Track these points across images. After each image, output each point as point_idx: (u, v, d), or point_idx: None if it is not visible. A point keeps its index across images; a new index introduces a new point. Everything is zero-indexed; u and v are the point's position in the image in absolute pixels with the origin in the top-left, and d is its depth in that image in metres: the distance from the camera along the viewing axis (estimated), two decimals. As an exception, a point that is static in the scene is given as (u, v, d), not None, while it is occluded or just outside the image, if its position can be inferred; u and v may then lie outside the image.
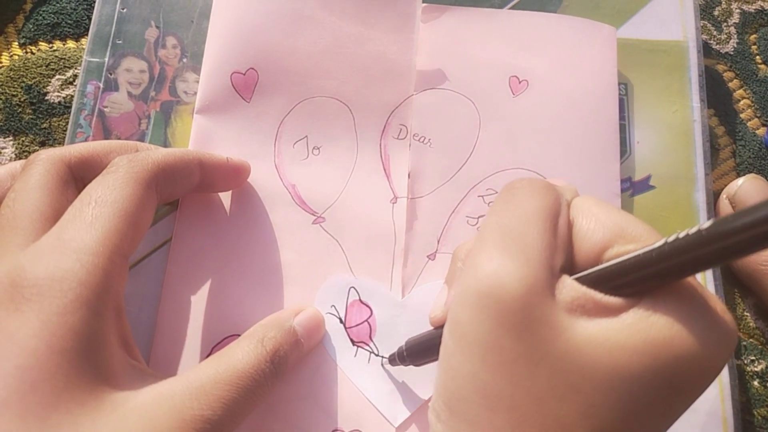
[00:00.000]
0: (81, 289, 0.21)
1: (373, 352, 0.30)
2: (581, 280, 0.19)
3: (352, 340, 0.30)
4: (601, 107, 0.34)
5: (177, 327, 0.29)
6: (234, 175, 0.30)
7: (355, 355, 0.30)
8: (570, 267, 0.20)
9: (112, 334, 0.22)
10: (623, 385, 0.17)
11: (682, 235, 0.16)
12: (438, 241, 0.32)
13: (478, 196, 0.32)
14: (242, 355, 0.24)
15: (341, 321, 0.30)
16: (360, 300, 0.31)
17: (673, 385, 0.17)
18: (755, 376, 0.33)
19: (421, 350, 0.26)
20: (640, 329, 0.17)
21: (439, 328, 0.23)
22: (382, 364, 0.29)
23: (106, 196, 0.23)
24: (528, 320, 0.18)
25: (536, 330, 0.18)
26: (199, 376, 0.22)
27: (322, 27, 0.34)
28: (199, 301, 0.30)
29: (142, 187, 0.24)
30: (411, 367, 0.27)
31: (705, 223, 0.16)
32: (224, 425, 0.21)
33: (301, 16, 0.33)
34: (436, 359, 0.21)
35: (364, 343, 0.30)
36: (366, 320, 0.30)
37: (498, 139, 0.33)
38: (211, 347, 0.29)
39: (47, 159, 0.24)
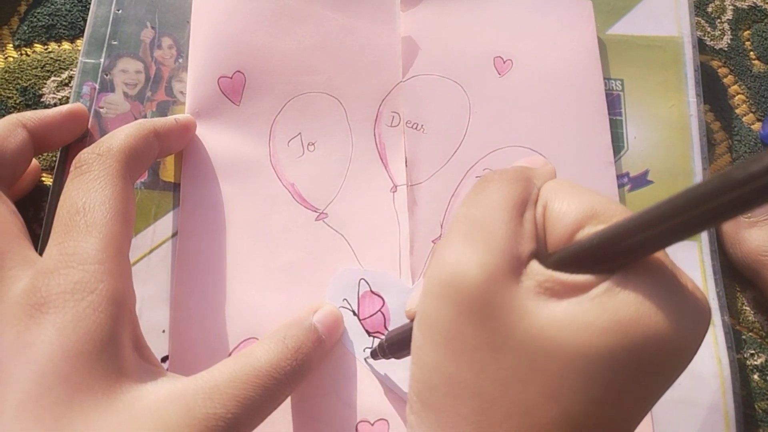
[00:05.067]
0: (92, 297, 0.21)
1: None
2: (548, 263, 0.18)
3: (367, 331, 0.30)
4: (585, 79, 0.34)
5: (192, 336, 0.29)
6: (184, 134, 0.31)
7: (372, 346, 0.30)
8: (544, 253, 0.19)
9: (125, 336, 0.22)
10: (591, 367, 0.17)
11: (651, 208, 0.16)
12: (441, 226, 0.32)
13: (476, 177, 0.33)
14: (261, 354, 0.24)
15: (355, 313, 0.30)
16: (371, 291, 0.31)
17: (643, 366, 0.17)
18: (755, 370, 0.33)
19: (399, 343, 0.26)
20: (607, 307, 0.17)
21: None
22: (365, 360, 0.29)
23: (90, 201, 0.23)
24: (489, 307, 0.18)
25: (498, 316, 0.17)
26: (214, 376, 0.22)
27: (305, 23, 0.34)
28: (211, 309, 0.29)
29: (120, 180, 0.24)
30: (393, 360, 0.27)
31: (673, 195, 0.15)
32: (240, 424, 0.21)
33: (282, 15, 0.34)
34: None
35: (380, 332, 0.30)
36: (379, 310, 0.30)
37: (489, 119, 0.33)
38: (228, 352, 0.29)
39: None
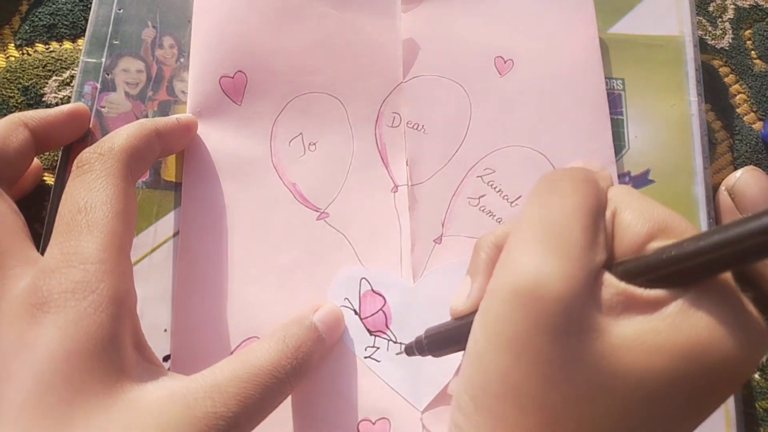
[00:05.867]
0: (93, 296, 0.21)
1: (391, 340, 0.30)
2: (620, 273, 0.18)
3: (369, 330, 0.30)
4: (586, 78, 0.34)
5: (194, 335, 0.29)
6: (186, 133, 0.31)
7: (374, 345, 0.30)
8: (611, 261, 0.19)
9: (126, 335, 0.22)
10: (660, 389, 0.17)
11: (730, 224, 0.15)
12: (442, 225, 0.32)
13: (477, 177, 0.33)
14: (262, 352, 0.24)
15: (356, 312, 0.30)
16: (372, 290, 0.31)
17: (708, 387, 0.17)
18: (756, 369, 0.33)
19: (443, 342, 0.25)
20: (680, 329, 0.17)
21: (460, 319, 0.23)
22: (396, 354, 0.29)
23: (92, 201, 0.23)
24: (567, 322, 0.17)
25: (574, 332, 0.17)
26: (215, 375, 0.22)
27: (306, 23, 0.34)
28: (212, 308, 0.29)
29: (121, 180, 0.24)
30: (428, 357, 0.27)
31: (757, 212, 0.15)
32: (241, 422, 0.21)
33: (284, 14, 0.34)
34: (458, 350, 0.21)
35: (381, 332, 0.30)
36: (380, 309, 0.30)
37: (490, 119, 0.33)
38: (230, 351, 0.29)
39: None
